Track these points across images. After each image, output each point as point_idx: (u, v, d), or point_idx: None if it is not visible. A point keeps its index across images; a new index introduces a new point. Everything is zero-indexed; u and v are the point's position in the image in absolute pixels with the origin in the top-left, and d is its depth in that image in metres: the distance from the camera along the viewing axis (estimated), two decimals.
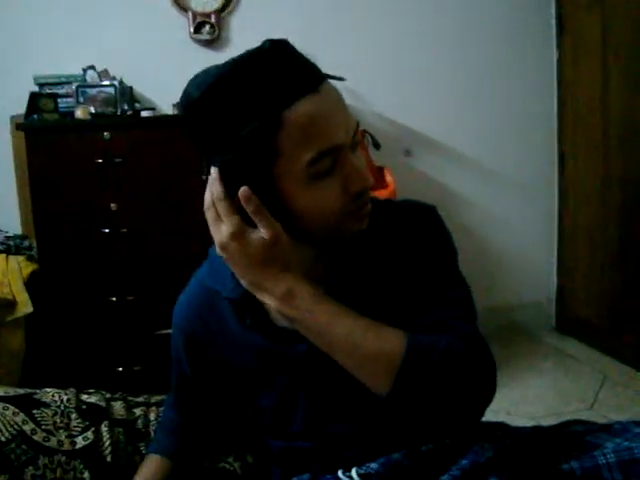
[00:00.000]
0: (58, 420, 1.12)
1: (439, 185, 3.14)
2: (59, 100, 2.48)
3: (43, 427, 1.09)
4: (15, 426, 1.06)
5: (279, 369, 1.00)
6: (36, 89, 2.55)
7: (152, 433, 1.23)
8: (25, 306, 2.23)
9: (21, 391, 1.15)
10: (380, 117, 3.02)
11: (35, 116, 2.43)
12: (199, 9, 2.84)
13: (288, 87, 0.82)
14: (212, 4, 2.85)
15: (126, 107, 2.54)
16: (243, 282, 0.88)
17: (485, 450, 0.94)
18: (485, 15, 3.12)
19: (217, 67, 0.85)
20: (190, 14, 2.83)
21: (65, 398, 1.18)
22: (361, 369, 0.85)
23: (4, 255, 2.35)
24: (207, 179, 0.89)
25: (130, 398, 1.34)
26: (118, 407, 1.26)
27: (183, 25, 2.85)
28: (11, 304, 2.20)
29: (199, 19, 2.84)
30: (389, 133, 3.01)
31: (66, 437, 1.10)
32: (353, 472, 0.97)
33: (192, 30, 2.84)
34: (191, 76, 0.89)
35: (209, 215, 0.88)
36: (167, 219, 2.44)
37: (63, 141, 2.38)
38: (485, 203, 3.23)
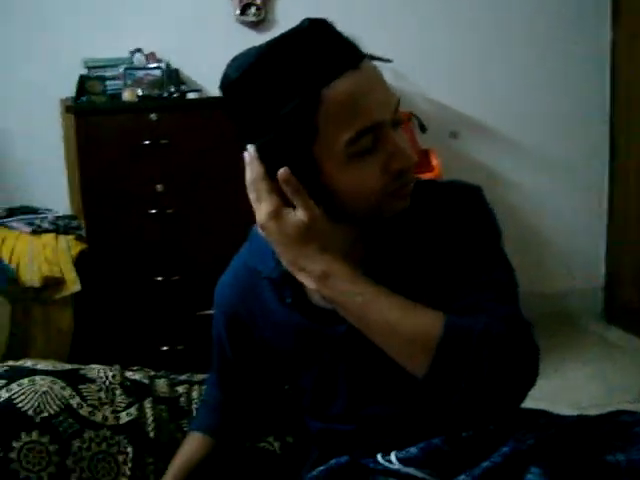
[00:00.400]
0: (103, 395, 1.15)
1: (485, 168, 3.09)
2: (107, 82, 2.52)
3: (89, 402, 1.12)
4: (63, 400, 1.09)
5: (319, 349, 1.00)
6: (85, 72, 2.59)
7: (194, 411, 1.25)
8: (74, 285, 2.28)
9: (68, 366, 1.19)
10: (426, 99, 2.98)
11: (84, 98, 2.47)
12: None
13: (326, 65, 0.82)
14: None
15: (173, 89, 2.56)
16: (282, 261, 0.89)
17: (527, 438, 0.92)
18: None
19: (255, 48, 0.86)
20: None
21: (110, 374, 1.20)
22: (398, 350, 0.85)
23: (54, 234, 2.40)
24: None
25: (173, 376, 1.36)
26: (161, 384, 1.28)
27: (229, 7, 2.85)
28: (60, 282, 2.26)
29: (245, 1, 2.83)
30: (435, 115, 2.96)
31: (111, 412, 1.13)
32: (392, 456, 0.97)
33: (238, 12, 2.84)
34: None
35: (250, 195, 0.88)
36: (213, 200, 2.45)
37: (111, 123, 2.43)
38: (533, 187, 3.16)
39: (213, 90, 2.74)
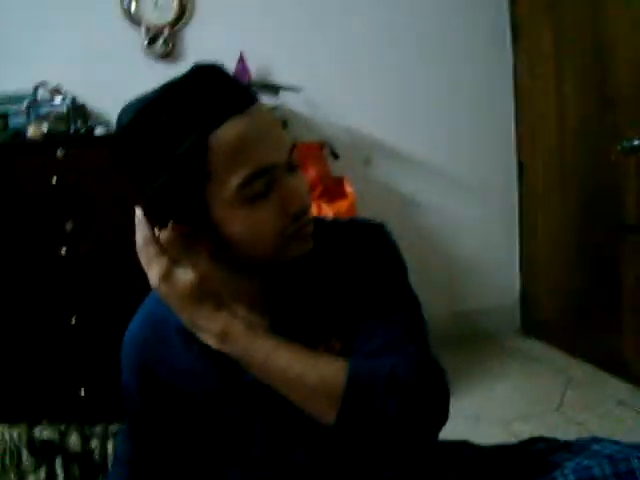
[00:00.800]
0: (7, 461, 1.08)
1: (399, 193, 3.14)
2: (9, 119, 2.43)
3: None
4: None
5: (231, 396, 0.98)
6: None
7: (109, 466, 1.19)
8: None
9: None
10: (339, 127, 3.01)
11: None
12: (152, 22, 2.80)
13: (214, 109, 0.82)
14: (165, 17, 2.81)
15: (79, 125, 2.49)
16: (182, 321, 0.87)
17: (447, 474, 0.93)
18: (441, 21, 3.14)
19: (147, 94, 0.85)
20: (143, 27, 2.79)
21: (15, 435, 1.14)
22: (304, 401, 0.84)
23: None
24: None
25: (86, 428, 1.30)
26: (73, 440, 1.22)
27: (136, 39, 2.81)
28: None
29: (152, 32, 2.80)
30: (348, 143, 3.00)
31: (16, 478, 1.06)
32: None
33: (146, 43, 2.81)
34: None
35: (141, 259, 0.86)
36: (124, 238, 2.38)
37: (16, 162, 2.33)
38: (446, 209, 3.23)
39: None
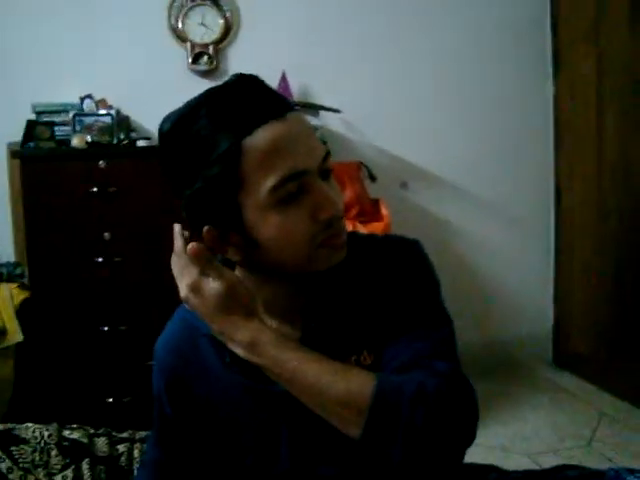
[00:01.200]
0: (37, 457, 1.10)
1: (435, 218, 3.14)
2: (56, 128, 2.49)
3: (21, 465, 1.07)
4: None
5: (260, 407, 0.98)
6: (33, 117, 2.55)
7: (135, 471, 1.20)
8: (15, 335, 2.21)
9: (0, 427, 1.13)
10: (377, 149, 3.03)
11: (31, 144, 2.43)
12: (197, 40, 2.86)
13: (249, 114, 0.83)
14: (210, 35, 2.87)
15: (122, 136, 2.54)
16: (212, 331, 0.88)
17: None
18: (482, 49, 3.15)
19: (188, 101, 0.88)
20: (188, 45, 2.85)
21: (46, 434, 1.15)
22: (331, 414, 0.84)
23: None
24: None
25: (114, 434, 1.31)
26: (101, 443, 1.23)
27: (181, 56, 2.87)
28: (1, 332, 2.18)
29: (197, 50, 2.86)
30: (386, 166, 3.01)
31: (44, 475, 1.08)
32: None
33: (190, 61, 2.86)
34: None
35: (174, 270, 0.89)
36: (160, 250, 2.41)
37: (58, 169, 2.39)
38: (481, 236, 3.21)
39: None
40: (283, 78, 2.73)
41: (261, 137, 0.83)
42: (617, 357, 2.84)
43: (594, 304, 3.01)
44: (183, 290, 0.87)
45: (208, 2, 2.87)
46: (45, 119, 2.54)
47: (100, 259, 2.38)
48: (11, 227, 2.62)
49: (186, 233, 0.90)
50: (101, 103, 2.62)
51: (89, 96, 2.61)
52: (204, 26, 2.87)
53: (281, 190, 0.83)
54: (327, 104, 2.75)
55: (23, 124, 2.47)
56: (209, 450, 1.09)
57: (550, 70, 3.20)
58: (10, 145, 2.54)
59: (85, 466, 1.14)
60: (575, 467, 0.99)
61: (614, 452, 2.31)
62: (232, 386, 0.98)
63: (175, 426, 1.08)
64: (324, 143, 0.96)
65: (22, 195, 2.35)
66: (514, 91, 3.19)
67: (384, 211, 2.63)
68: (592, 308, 3.03)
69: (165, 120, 0.88)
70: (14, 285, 2.38)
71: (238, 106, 0.84)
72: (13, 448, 1.08)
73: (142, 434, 1.30)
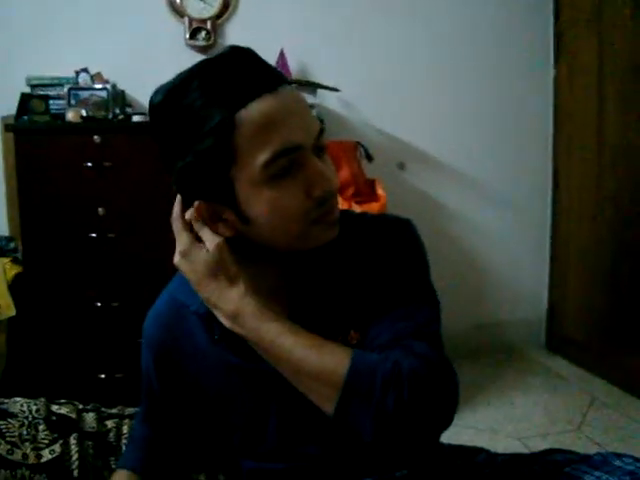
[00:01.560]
0: (25, 432, 1.09)
1: (431, 200, 3.13)
2: (51, 102, 2.47)
3: (8, 439, 1.06)
4: None
5: (249, 385, 0.98)
6: (28, 90, 2.52)
7: (124, 447, 1.20)
8: (8, 309, 2.21)
9: None
10: (375, 129, 3.01)
11: (25, 117, 2.41)
12: (195, 15, 2.82)
13: (243, 87, 0.82)
14: (209, 10, 2.84)
15: (118, 111, 2.51)
16: (200, 297, 0.88)
17: (461, 478, 0.91)
18: (482, 30, 3.12)
19: (180, 73, 0.86)
20: (186, 20, 2.82)
21: (34, 409, 1.14)
22: (308, 389, 0.84)
23: None
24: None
25: (103, 409, 1.30)
26: (90, 419, 1.22)
27: (179, 31, 2.83)
28: None
29: (195, 25, 2.82)
30: (383, 146, 2.99)
31: (32, 450, 1.07)
32: None
33: (188, 36, 2.83)
34: None
35: (174, 232, 0.90)
36: (154, 226, 2.40)
37: (53, 144, 2.37)
38: (478, 219, 3.21)
39: None
40: (281, 55, 2.70)
41: (255, 110, 0.81)
42: (610, 343, 2.85)
43: (589, 290, 3.01)
44: (176, 254, 0.88)
45: None
46: (40, 92, 2.51)
47: (94, 234, 2.37)
48: (5, 201, 2.60)
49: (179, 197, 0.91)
50: (97, 77, 2.59)
51: (85, 70, 2.58)
52: (202, 1, 2.83)
53: (274, 165, 0.82)
54: (325, 83, 2.72)
55: (17, 97, 2.45)
56: (197, 427, 1.09)
57: (551, 54, 3.17)
58: (4, 118, 2.52)
59: (73, 441, 1.13)
60: (563, 451, 0.99)
61: (604, 436, 2.32)
62: (221, 364, 0.98)
63: (163, 403, 1.08)
64: (321, 121, 0.94)
65: (16, 169, 2.33)
66: (514, 75, 3.17)
67: (380, 191, 2.62)
68: (587, 293, 3.03)
69: (156, 92, 0.87)
70: (7, 260, 2.38)
71: (232, 79, 0.82)
72: (0, 422, 1.07)
73: (131, 410, 1.29)
